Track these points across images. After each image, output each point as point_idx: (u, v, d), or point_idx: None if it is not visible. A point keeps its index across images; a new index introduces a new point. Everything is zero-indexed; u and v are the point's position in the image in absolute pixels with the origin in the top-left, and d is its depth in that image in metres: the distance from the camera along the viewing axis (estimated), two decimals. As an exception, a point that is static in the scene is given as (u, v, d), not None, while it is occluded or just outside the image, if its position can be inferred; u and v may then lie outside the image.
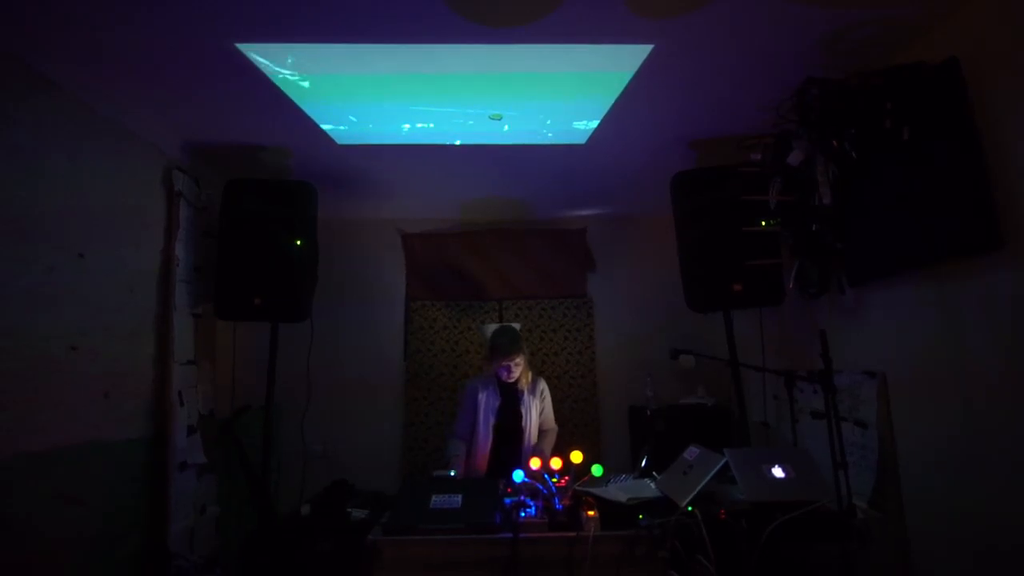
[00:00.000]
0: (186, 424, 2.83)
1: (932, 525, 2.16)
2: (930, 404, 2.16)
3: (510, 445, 2.95)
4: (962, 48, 1.94)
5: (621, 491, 2.27)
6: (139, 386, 2.67)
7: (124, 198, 2.61)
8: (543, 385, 3.10)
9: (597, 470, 2.41)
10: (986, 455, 1.93)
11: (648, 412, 3.55)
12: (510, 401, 2.99)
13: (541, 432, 3.05)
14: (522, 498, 2.24)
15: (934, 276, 2.12)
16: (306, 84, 2.36)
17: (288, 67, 2.20)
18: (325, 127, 2.76)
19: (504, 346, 2.90)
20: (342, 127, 2.78)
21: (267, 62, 2.21)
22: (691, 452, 2.33)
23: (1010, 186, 1.80)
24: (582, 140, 2.96)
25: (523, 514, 2.14)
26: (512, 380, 2.95)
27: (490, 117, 2.70)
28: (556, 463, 2.46)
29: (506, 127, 2.81)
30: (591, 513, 2.08)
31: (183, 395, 2.83)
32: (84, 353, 2.33)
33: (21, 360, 2.04)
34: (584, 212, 4.22)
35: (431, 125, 2.77)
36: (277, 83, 2.35)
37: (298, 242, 2.88)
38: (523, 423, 2.96)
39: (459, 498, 2.13)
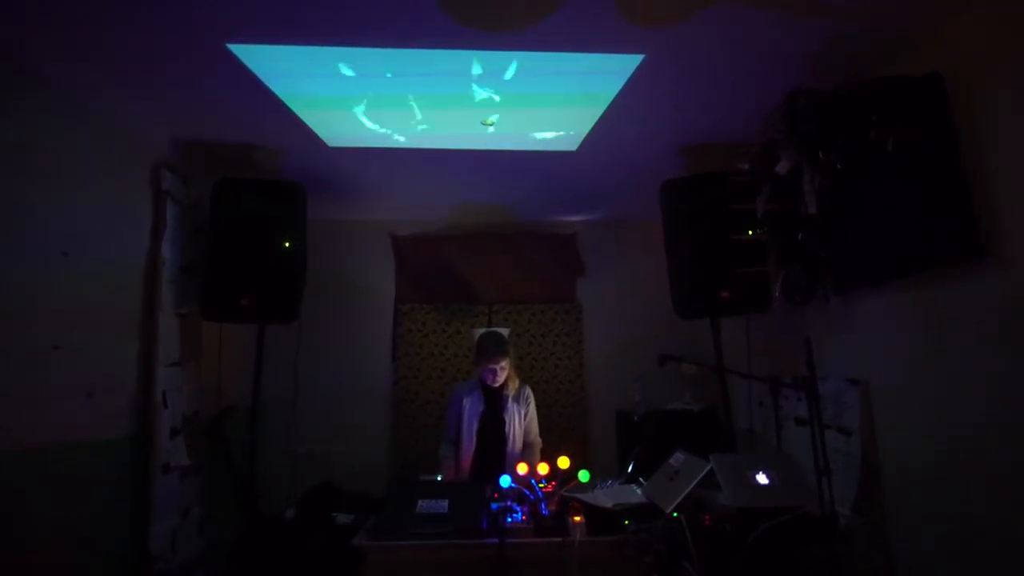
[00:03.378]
0: (170, 426, 2.80)
1: (914, 531, 2.19)
2: (913, 411, 2.19)
3: (494, 451, 2.94)
4: (946, 62, 1.98)
5: (607, 496, 2.28)
6: (123, 386, 2.63)
7: (110, 196, 2.58)
8: (528, 392, 3.09)
9: (584, 475, 2.42)
10: (967, 462, 1.96)
11: (635, 417, 3.56)
12: (494, 407, 2.98)
13: (525, 445, 3.03)
14: (509, 503, 2.23)
15: (917, 285, 2.16)
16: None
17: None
18: (316, 128, 2.75)
19: (490, 349, 2.90)
20: (336, 128, 2.77)
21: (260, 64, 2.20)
22: (677, 458, 2.34)
23: (991, 197, 1.84)
24: (573, 146, 2.97)
25: (510, 519, 2.14)
26: (497, 384, 2.94)
27: (482, 123, 2.71)
28: (543, 468, 2.46)
29: (492, 130, 2.81)
30: (577, 518, 2.09)
31: (167, 396, 2.80)
32: (67, 352, 2.29)
33: (2, 358, 2.01)
34: (574, 217, 4.24)
35: (423, 128, 2.77)
36: (268, 84, 2.34)
37: (287, 243, 2.87)
38: (507, 429, 2.95)
39: (445, 503, 2.12)
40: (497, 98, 2.49)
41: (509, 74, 2.31)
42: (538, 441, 3.06)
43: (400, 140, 2.89)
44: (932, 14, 1.98)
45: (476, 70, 2.27)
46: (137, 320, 2.73)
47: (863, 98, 2.18)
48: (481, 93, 2.45)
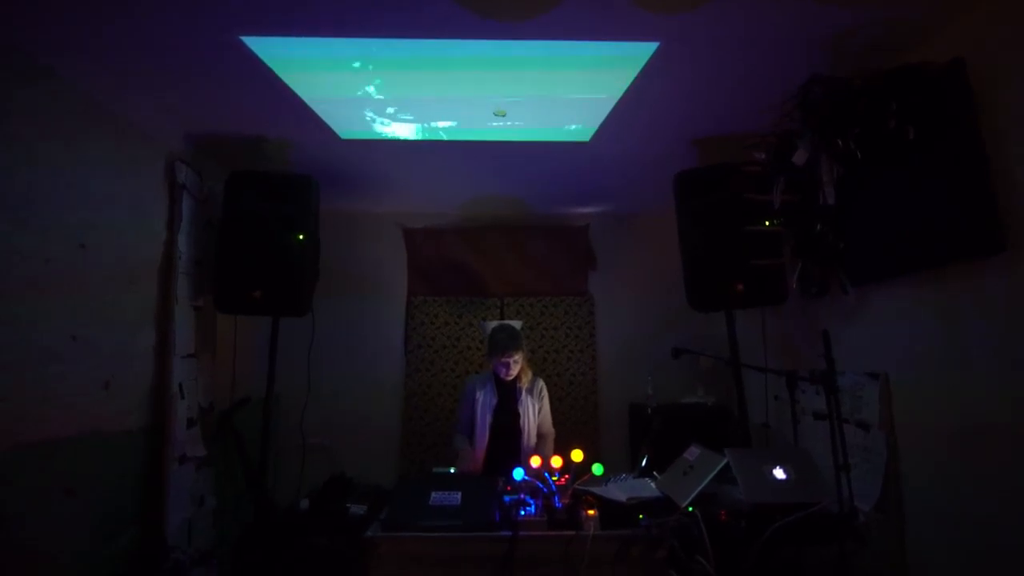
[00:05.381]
0: (186, 416, 2.83)
1: (931, 527, 2.16)
2: (931, 406, 2.15)
3: (507, 444, 2.93)
4: (967, 50, 1.93)
5: (621, 490, 2.26)
6: (139, 378, 2.66)
7: (126, 189, 2.60)
8: (542, 385, 3.08)
9: (597, 469, 2.41)
10: (988, 458, 1.92)
11: (648, 411, 3.54)
12: (507, 400, 2.97)
13: (539, 436, 3.03)
14: (522, 496, 2.23)
15: (936, 278, 2.12)
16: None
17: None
18: (328, 120, 2.74)
19: (503, 343, 2.89)
20: (347, 123, 2.77)
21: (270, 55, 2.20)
22: (691, 452, 2.33)
23: (1013, 190, 1.79)
24: (586, 137, 2.95)
25: (522, 512, 2.14)
26: (510, 378, 2.93)
27: (494, 113, 2.69)
28: (556, 462, 2.46)
29: (509, 123, 2.79)
30: (591, 512, 2.08)
31: (183, 387, 2.82)
32: (85, 344, 2.32)
33: (21, 350, 2.04)
34: (586, 209, 4.21)
35: (435, 122, 2.76)
36: (280, 76, 2.33)
37: (299, 236, 2.88)
38: (520, 423, 2.94)
39: (458, 495, 2.12)
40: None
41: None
42: (551, 432, 3.06)
43: (412, 132, 2.88)
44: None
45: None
46: (153, 312, 2.75)
47: (881, 86, 2.13)
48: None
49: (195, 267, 2.99)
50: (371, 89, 2.48)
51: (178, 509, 2.72)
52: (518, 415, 2.95)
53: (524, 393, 2.97)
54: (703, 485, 2.08)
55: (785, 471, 2.11)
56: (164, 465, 2.69)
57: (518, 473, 2.34)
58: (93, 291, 2.39)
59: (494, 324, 3.12)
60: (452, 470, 2.63)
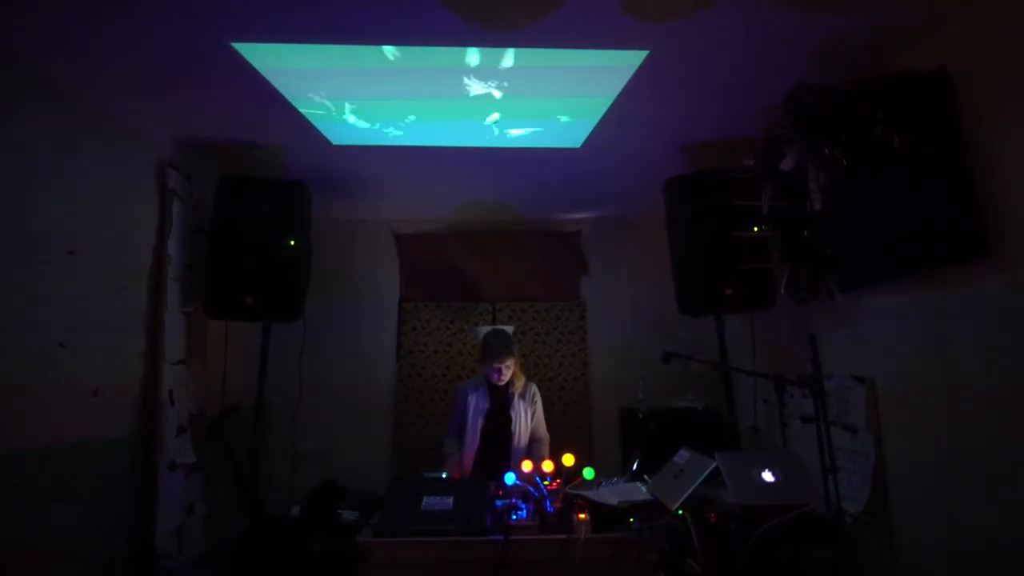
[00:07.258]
0: (176, 423, 2.81)
1: (919, 529, 2.18)
2: (918, 409, 2.18)
3: (498, 448, 2.93)
4: (952, 58, 1.97)
5: (612, 494, 2.27)
6: (129, 384, 2.64)
7: (116, 195, 2.58)
8: (535, 390, 3.08)
9: (588, 473, 2.42)
10: (973, 461, 1.95)
11: (640, 415, 3.55)
12: (500, 404, 2.97)
13: (533, 440, 3.03)
14: (513, 500, 2.23)
15: (923, 282, 2.15)
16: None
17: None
18: (319, 126, 2.75)
19: (495, 348, 2.90)
20: (339, 126, 2.77)
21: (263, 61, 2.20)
22: (682, 455, 2.34)
23: (997, 194, 1.83)
24: (577, 143, 2.97)
25: (514, 516, 2.14)
26: (502, 383, 2.94)
27: (486, 120, 2.71)
28: (548, 466, 2.46)
29: (496, 131, 2.81)
30: (582, 516, 2.08)
31: (173, 394, 2.80)
32: (74, 350, 2.30)
33: (9, 356, 2.02)
34: (578, 215, 4.23)
35: (426, 126, 2.77)
36: (272, 82, 2.34)
37: (291, 241, 2.88)
38: (512, 427, 2.95)
39: (450, 500, 2.12)
40: (497, 94, 2.49)
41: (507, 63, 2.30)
42: (546, 436, 3.07)
43: (404, 138, 2.89)
44: (938, 9, 1.97)
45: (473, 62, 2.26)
46: (143, 318, 2.74)
47: (868, 94, 2.17)
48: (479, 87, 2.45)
49: (185, 273, 2.98)
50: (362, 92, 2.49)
51: (168, 516, 2.70)
52: (510, 420, 2.95)
53: (516, 398, 2.98)
54: (692, 488, 2.10)
55: (773, 473, 2.12)
56: (154, 472, 2.67)
57: (509, 477, 2.34)
58: (82, 297, 2.37)
59: (486, 329, 3.13)
60: (444, 475, 2.62)
